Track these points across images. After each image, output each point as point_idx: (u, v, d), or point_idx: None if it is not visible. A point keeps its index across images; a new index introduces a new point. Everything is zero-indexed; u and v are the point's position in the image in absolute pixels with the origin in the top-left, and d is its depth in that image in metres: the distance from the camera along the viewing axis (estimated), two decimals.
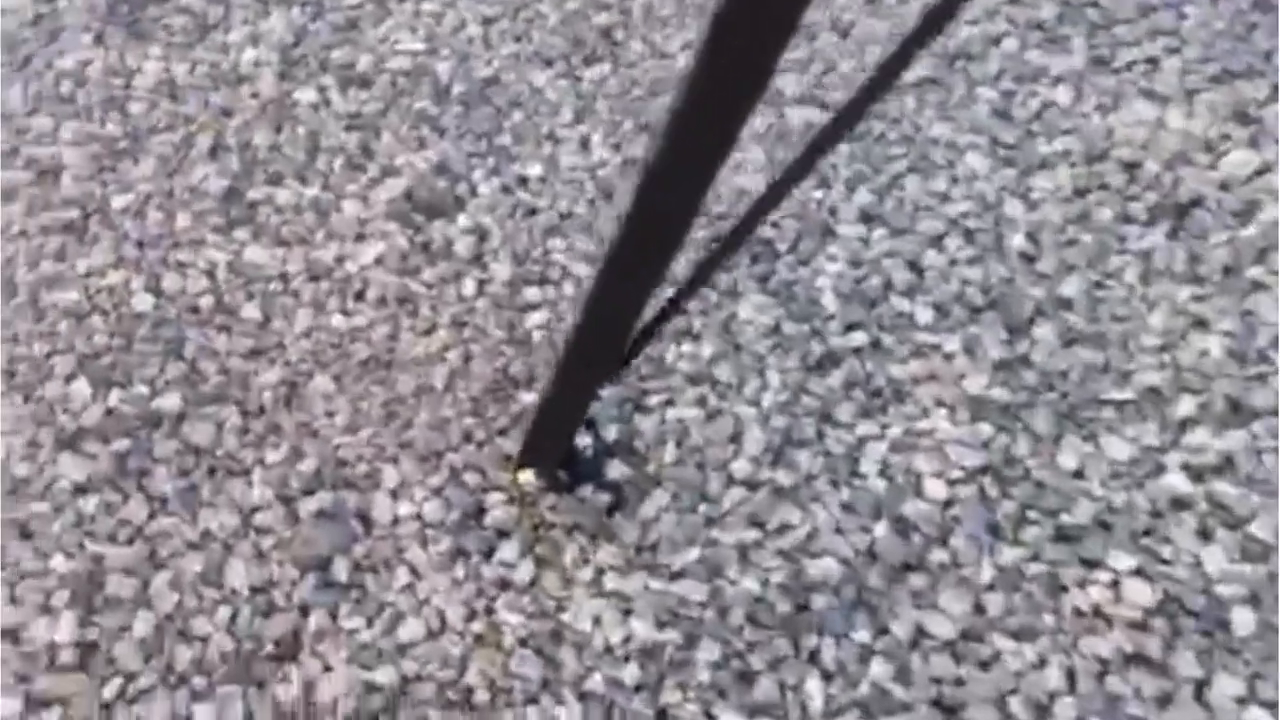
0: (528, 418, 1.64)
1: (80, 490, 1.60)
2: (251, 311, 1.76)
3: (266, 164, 1.89)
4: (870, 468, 1.61)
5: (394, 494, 1.60)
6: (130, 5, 2.04)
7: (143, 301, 1.76)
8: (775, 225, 1.82)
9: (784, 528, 1.57)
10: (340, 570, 1.53)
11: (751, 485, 1.60)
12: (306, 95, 1.95)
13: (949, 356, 1.69)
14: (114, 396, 1.67)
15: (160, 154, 1.90)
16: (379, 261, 1.80)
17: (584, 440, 1.64)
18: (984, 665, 1.46)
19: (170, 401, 1.67)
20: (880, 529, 1.57)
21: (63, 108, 1.93)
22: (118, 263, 1.80)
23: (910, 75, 1.94)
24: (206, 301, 1.76)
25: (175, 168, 1.89)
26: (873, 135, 1.89)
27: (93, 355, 1.71)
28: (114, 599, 1.53)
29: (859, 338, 1.70)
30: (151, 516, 1.58)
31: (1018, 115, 1.89)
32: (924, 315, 1.72)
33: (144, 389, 1.68)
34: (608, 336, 1.31)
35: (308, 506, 1.57)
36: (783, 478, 1.60)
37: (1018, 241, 1.77)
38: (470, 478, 1.61)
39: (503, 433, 1.66)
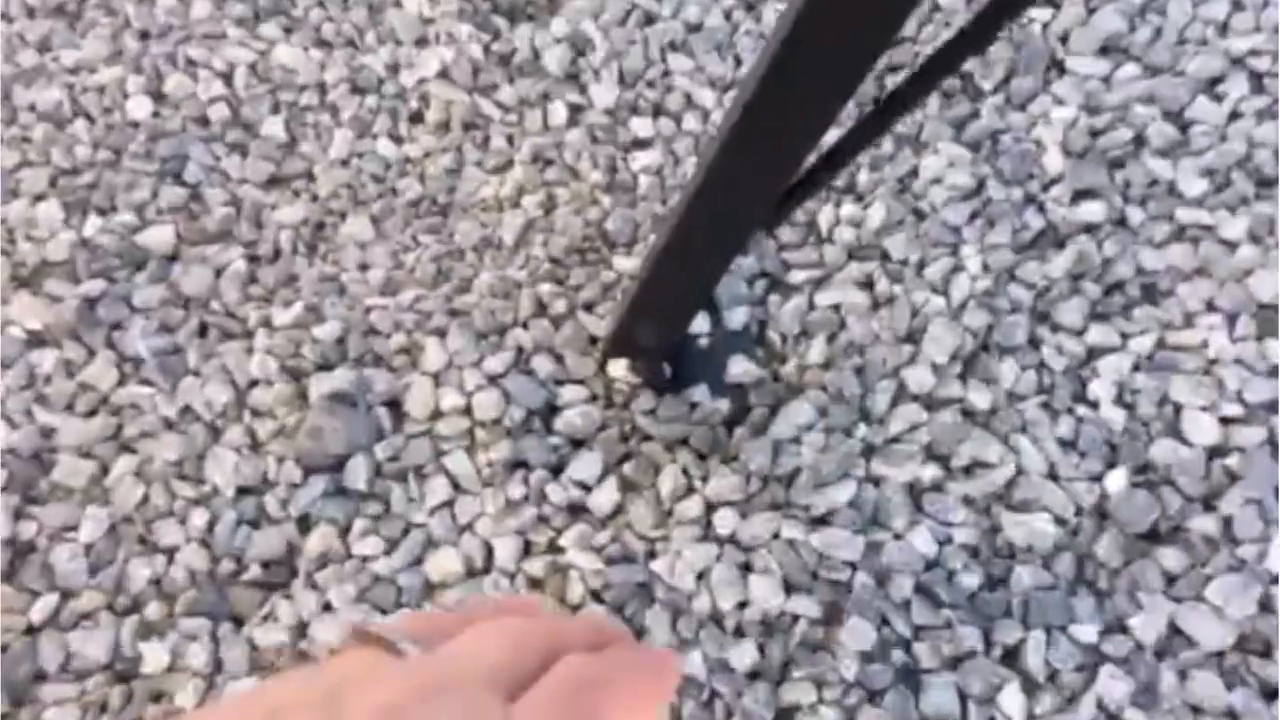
0: (625, 290, 1.19)
1: (36, 341, 1.20)
2: (275, 128, 1.34)
3: None
4: (1104, 392, 1.13)
5: (436, 378, 1.18)
6: None
7: (139, 106, 1.35)
8: (978, 54, 1.33)
9: (975, 466, 1.11)
10: (357, 475, 1.12)
11: (931, 403, 1.14)
12: None
13: (1228, 244, 1.19)
14: (90, 225, 1.27)
15: None
16: (443, 74, 1.35)
17: (699, 325, 1.20)
18: (1271, 692, 0.99)
19: (160, 236, 1.26)
20: (1116, 480, 1.09)
21: None
22: (114, 57, 1.39)
23: None
24: (219, 112, 1.34)
25: None
26: None
27: (70, 170, 1.31)
28: (61, 487, 1.14)
29: (1094, 210, 1.21)
30: (120, 383, 1.19)
31: None
32: (1191, 185, 1.22)
33: (129, 217, 1.28)
34: (748, 186, 0.86)
35: (321, 386, 1.16)
36: (977, 397, 1.13)
37: None
38: (541, 364, 1.18)
39: (589, 307, 1.22)
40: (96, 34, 1.39)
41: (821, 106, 0.79)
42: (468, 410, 1.15)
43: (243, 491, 1.14)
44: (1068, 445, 1.12)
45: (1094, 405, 1.14)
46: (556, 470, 1.13)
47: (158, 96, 1.36)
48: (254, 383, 1.17)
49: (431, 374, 1.18)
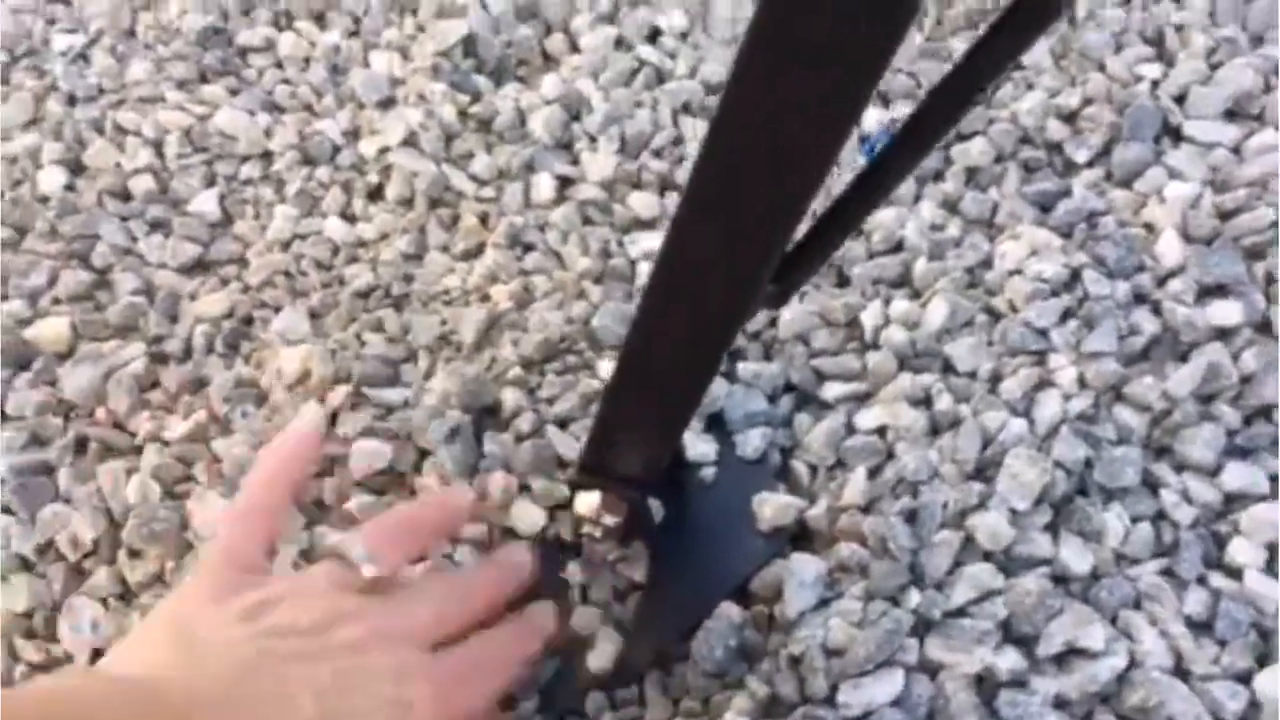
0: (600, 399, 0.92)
1: None
2: (207, 204, 1.11)
3: None
4: (1250, 555, 0.82)
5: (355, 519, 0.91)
6: None
7: (52, 178, 1.13)
8: (1070, 119, 1.06)
9: (1071, 654, 0.80)
10: None
11: (1009, 565, 0.84)
12: None
13: None
14: None
15: None
16: (410, 141, 1.12)
17: (703, 452, 0.92)
18: None
19: (53, 329, 1.03)
20: (1270, 681, 0.78)
21: None
22: (33, 123, 1.18)
23: None
24: (143, 184, 1.12)
25: (147, 0, 1.27)
26: None
27: None
28: None
29: (1228, 311, 0.92)
30: None
31: None
32: None
33: (19, 306, 1.05)
34: (732, 260, 0.60)
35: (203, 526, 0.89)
36: (1072, 558, 0.83)
37: None
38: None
39: (563, 425, 0.95)
40: (18, 98, 1.19)
41: (800, 148, 0.53)
42: None
43: (99, 656, 0.87)
44: (1200, 629, 0.81)
45: (1235, 574, 0.83)
46: None
47: (75, 167, 1.14)
48: (129, 509, 0.92)
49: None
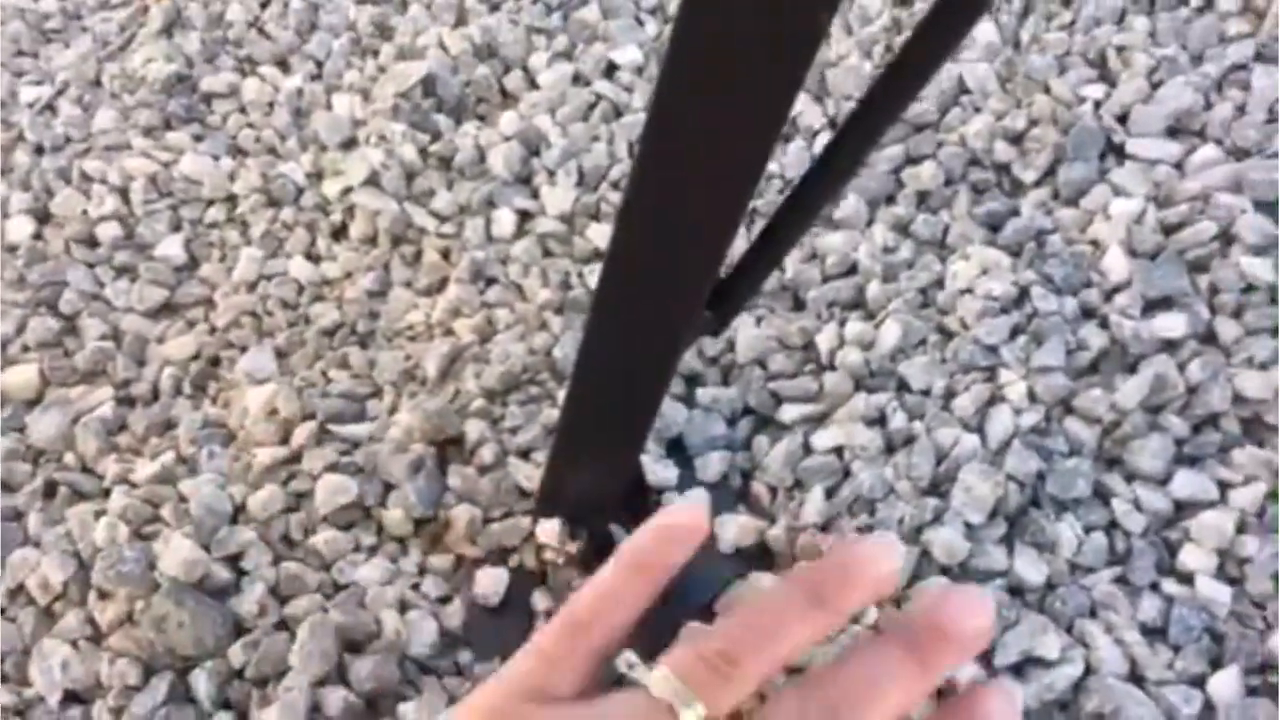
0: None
1: None
2: (173, 248, 1.12)
3: (238, 45, 1.27)
4: (1201, 561, 0.84)
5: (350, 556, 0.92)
6: None
7: (19, 228, 1.14)
8: (1018, 140, 1.08)
9: (1028, 664, 0.81)
10: (206, 680, 0.85)
11: (965, 577, 0.85)
12: None
13: None
14: None
15: (99, 33, 1.31)
16: (373, 181, 1.14)
17: (664, 476, 0.93)
18: None
19: (21, 377, 1.04)
20: (1224, 683, 0.79)
21: None
22: (1, 173, 1.20)
23: None
24: (109, 231, 1.13)
25: (113, 51, 1.29)
26: (1191, 4, 1.13)
27: None
28: None
29: (1173, 323, 0.94)
30: None
31: None
32: None
33: None
34: (658, 280, 0.62)
35: (172, 561, 0.90)
36: (1026, 569, 0.84)
37: None
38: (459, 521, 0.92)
39: (525, 455, 0.96)
40: None
41: (730, 188, 0.55)
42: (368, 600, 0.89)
43: (70, 698, 0.88)
44: (1154, 635, 0.83)
45: (1187, 580, 0.84)
46: (458, 672, 0.86)
47: (43, 216, 1.15)
48: (97, 551, 0.92)
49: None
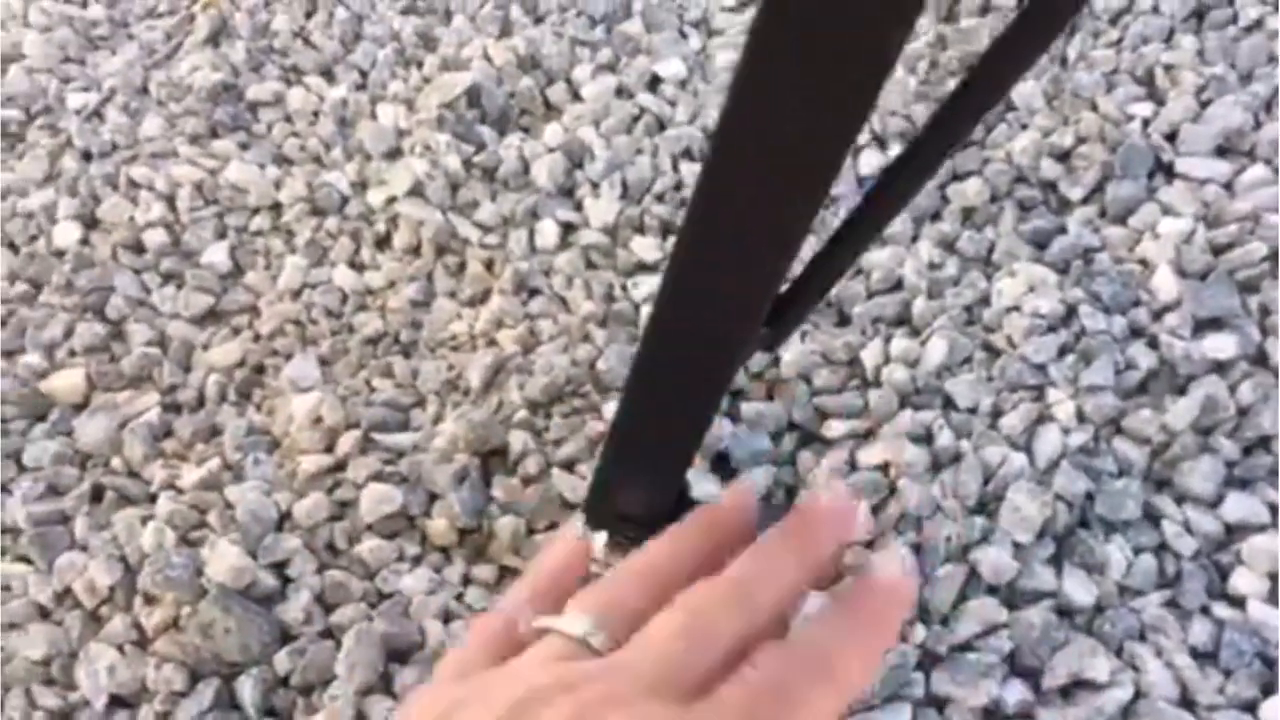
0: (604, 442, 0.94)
1: None
2: (218, 255, 1.13)
3: (284, 54, 1.28)
4: (1252, 585, 0.83)
5: (375, 565, 0.92)
6: None
7: (67, 233, 1.15)
8: (1065, 157, 1.08)
9: (1076, 687, 0.81)
10: (252, 687, 0.86)
11: (1013, 598, 0.85)
12: None
13: None
14: None
15: (146, 41, 1.32)
16: (417, 191, 1.14)
17: (709, 490, 0.93)
18: None
19: (69, 381, 1.05)
20: (1276, 709, 0.78)
21: None
22: (49, 178, 1.21)
23: None
24: (156, 237, 1.14)
25: (160, 59, 1.30)
26: (1239, 22, 1.13)
27: None
28: None
29: (1224, 344, 0.93)
30: (2, 552, 0.96)
31: None
32: None
33: (36, 359, 1.07)
34: (728, 298, 0.62)
35: (219, 567, 0.91)
36: (1075, 590, 0.84)
37: None
38: (502, 540, 0.92)
39: (569, 466, 0.96)
40: (34, 155, 1.21)
41: (794, 183, 0.55)
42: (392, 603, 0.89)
43: (116, 703, 0.88)
44: (1205, 659, 0.82)
45: (1239, 603, 0.84)
46: None
47: (90, 222, 1.16)
48: (144, 557, 0.93)
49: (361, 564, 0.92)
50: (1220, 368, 0.92)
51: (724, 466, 0.95)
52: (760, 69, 0.49)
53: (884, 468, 0.92)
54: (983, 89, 0.56)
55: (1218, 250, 0.99)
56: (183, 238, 1.15)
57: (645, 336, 0.68)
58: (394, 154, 1.18)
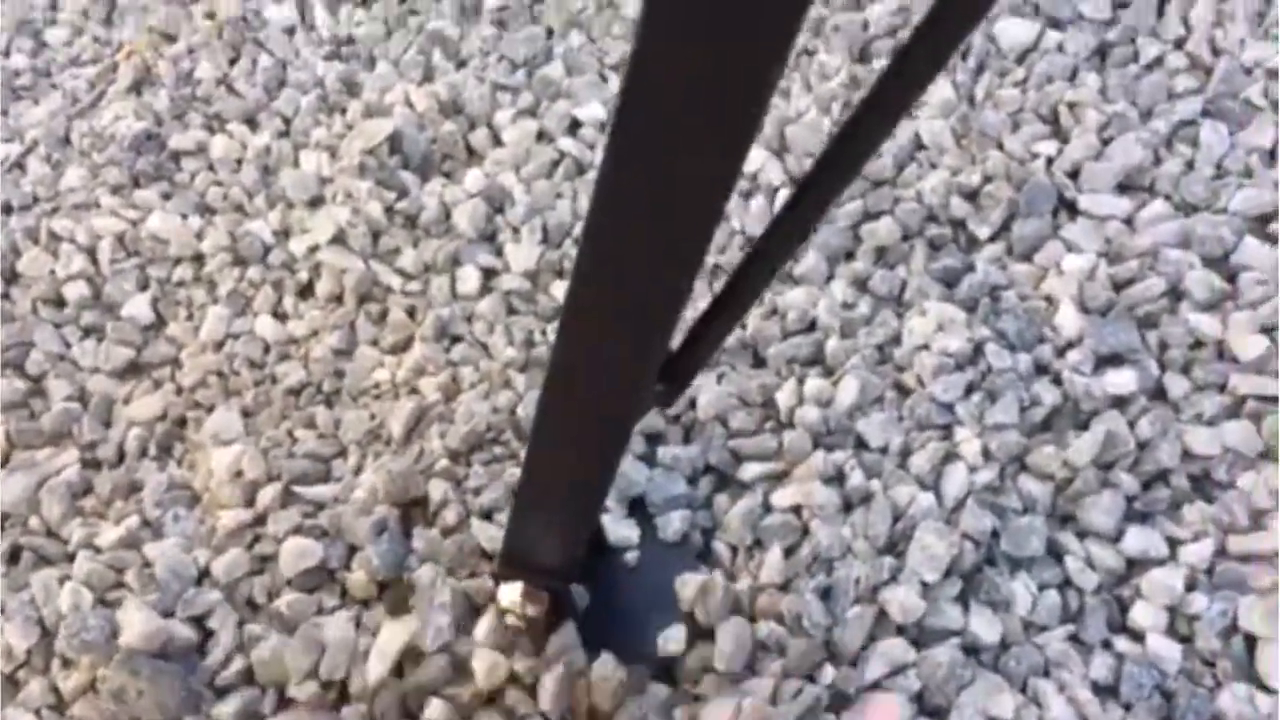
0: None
1: None
2: (140, 308, 1.13)
3: (207, 102, 1.29)
4: (1151, 618, 0.85)
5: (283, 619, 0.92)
6: None
7: None
8: (973, 196, 1.10)
9: None
10: None
11: (921, 637, 0.86)
12: (280, 14, 1.34)
13: None
14: None
15: (69, 90, 1.32)
16: (338, 239, 1.15)
17: (626, 536, 0.94)
18: None
19: None
20: None
21: None
22: None
23: None
24: (77, 290, 1.14)
25: (83, 108, 1.30)
26: (1140, 60, 1.16)
27: None
28: None
29: (1124, 380, 0.96)
30: None
31: None
32: (1246, 346, 0.96)
33: None
34: (610, 351, 0.63)
35: (132, 630, 0.90)
36: (981, 628, 0.86)
37: None
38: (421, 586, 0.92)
39: (488, 515, 0.97)
40: None
41: (680, 256, 0.56)
42: (313, 673, 0.89)
43: None
44: (1106, 693, 0.84)
45: (1138, 637, 0.86)
46: None
47: (9, 276, 1.16)
48: (61, 618, 0.93)
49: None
50: (1121, 403, 0.95)
51: (641, 511, 0.96)
52: (640, 107, 0.49)
53: (797, 509, 0.94)
54: (871, 124, 0.57)
55: (1119, 286, 1.01)
56: (104, 290, 1.15)
57: (542, 389, 0.70)
58: (317, 202, 1.18)
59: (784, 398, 1.00)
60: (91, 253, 1.17)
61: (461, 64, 1.29)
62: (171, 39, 1.34)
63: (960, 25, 0.50)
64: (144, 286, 1.15)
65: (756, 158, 1.13)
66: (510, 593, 0.88)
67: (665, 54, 0.46)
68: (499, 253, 1.14)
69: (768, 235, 0.64)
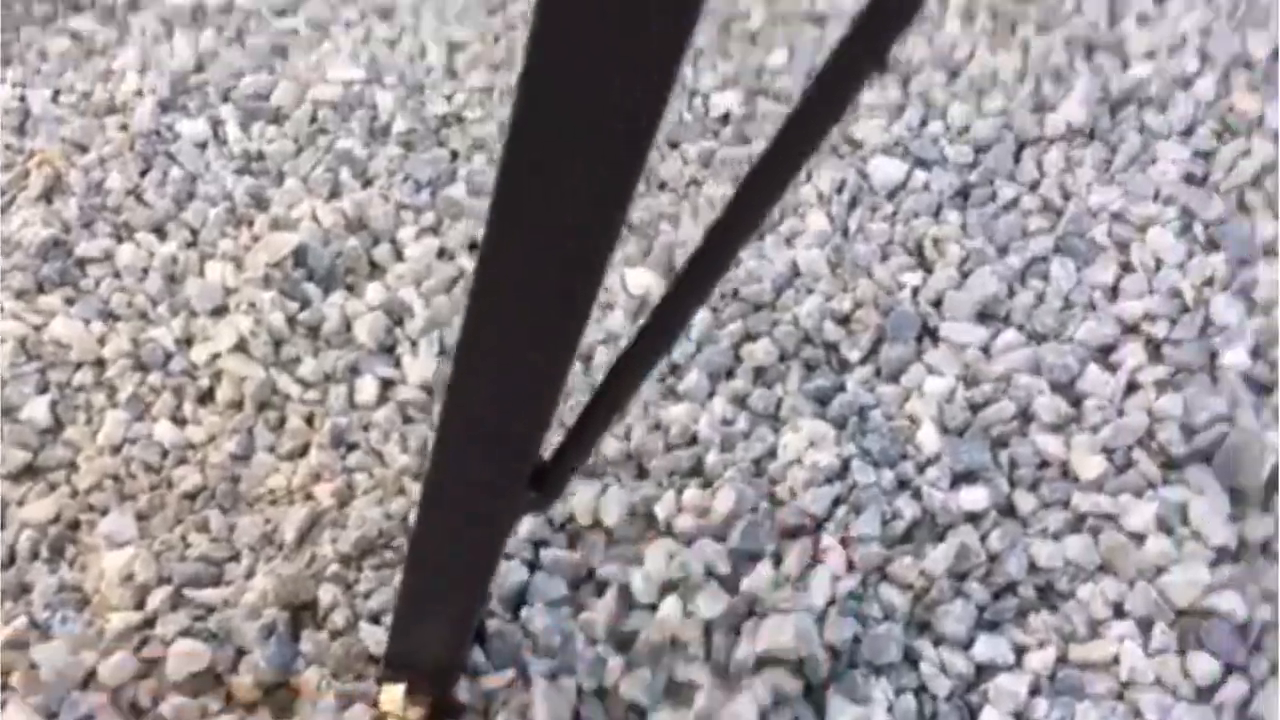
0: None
1: None
2: (38, 411, 1.15)
3: (116, 212, 1.32)
4: None
5: None
6: None
7: None
8: (843, 321, 1.18)
9: None
10: None
11: None
12: (194, 128, 1.39)
13: (1135, 535, 1.00)
14: None
15: None
16: (240, 347, 1.19)
17: (509, 630, 0.98)
18: None
19: None
20: None
21: None
22: None
23: (1052, 124, 1.31)
24: None
25: None
26: (998, 200, 1.26)
27: None
28: None
29: (977, 496, 1.03)
30: None
31: (1220, 182, 1.25)
32: (1088, 466, 1.04)
33: None
34: (495, 451, 0.68)
35: None
36: None
37: (1238, 359, 1.10)
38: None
39: (376, 619, 1.00)
40: None
41: (551, 358, 0.62)
42: None
43: None
44: None
45: None
46: None
47: None
48: None
49: None
50: (974, 518, 1.02)
51: (519, 608, 1.00)
52: (514, 195, 0.52)
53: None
54: (731, 232, 0.62)
55: (975, 408, 1.09)
56: (3, 393, 1.16)
57: (421, 495, 0.74)
58: (220, 311, 1.22)
59: (662, 508, 1.05)
60: None
61: (368, 182, 1.35)
62: (84, 149, 1.38)
63: (800, 150, 0.54)
64: (44, 390, 1.17)
65: (645, 280, 1.21)
66: (393, 694, 0.91)
67: (549, 98, 0.47)
68: (397, 364, 1.18)
69: (638, 338, 0.69)
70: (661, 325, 0.67)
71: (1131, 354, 1.12)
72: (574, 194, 0.51)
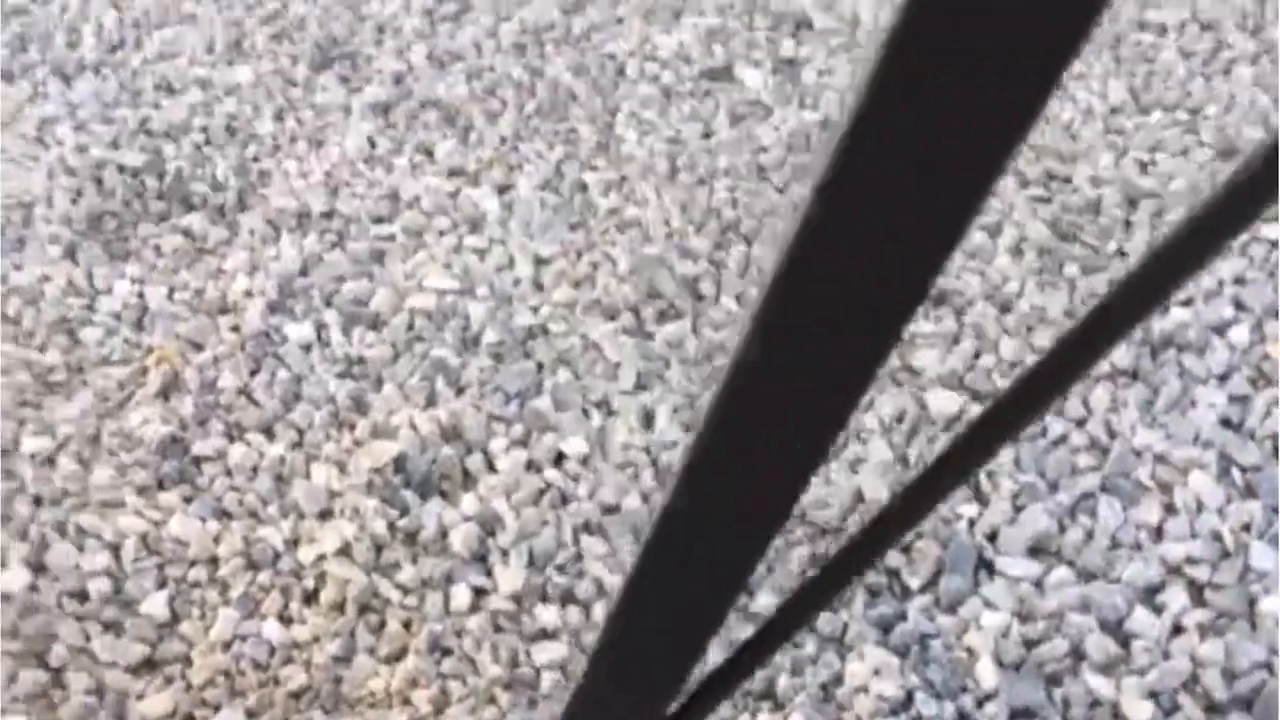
0: None
1: None
2: (157, 606, 1.25)
3: (228, 410, 1.43)
4: None
5: None
6: (118, 220, 1.67)
7: (15, 578, 1.26)
8: (905, 550, 1.27)
9: None
10: None
11: None
12: (299, 332, 1.51)
13: None
14: None
15: (100, 389, 1.46)
16: (344, 551, 1.28)
17: None
18: None
19: None
20: None
21: (3, 328, 1.53)
22: (2, 521, 1.32)
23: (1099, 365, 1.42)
24: (100, 586, 1.25)
25: (112, 408, 1.44)
26: (1048, 436, 1.36)
27: None
28: None
29: None
30: None
31: (1256, 428, 1.35)
32: (1136, 709, 1.12)
33: None
34: (638, 696, 0.77)
35: None
36: None
37: (1275, 606, 1.19)
38: None
39: None
40: None
41: (698, 623, 0.71)
42: None
43: None
44: None
45: None
46: None
47: (38, 568, 1.27)
48: None
49: None
50: None
51: None
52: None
53: None
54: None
55: (1029, 644, 1.17)
56: (125, 586, 1.26)
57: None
58: (326, 514, 1.32)
59: None
60: (115, 550, 1.29)
61: (460, 391, 1.46)
62: (199, 347, 1.50)
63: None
64: (162, 585, 1.27)
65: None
66: None
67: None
68: (489, 573, 1.28)
69: (818, 578, 0.78)
70: (841, 573, 0.76)
71: (1175, 597, 1.20)
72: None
